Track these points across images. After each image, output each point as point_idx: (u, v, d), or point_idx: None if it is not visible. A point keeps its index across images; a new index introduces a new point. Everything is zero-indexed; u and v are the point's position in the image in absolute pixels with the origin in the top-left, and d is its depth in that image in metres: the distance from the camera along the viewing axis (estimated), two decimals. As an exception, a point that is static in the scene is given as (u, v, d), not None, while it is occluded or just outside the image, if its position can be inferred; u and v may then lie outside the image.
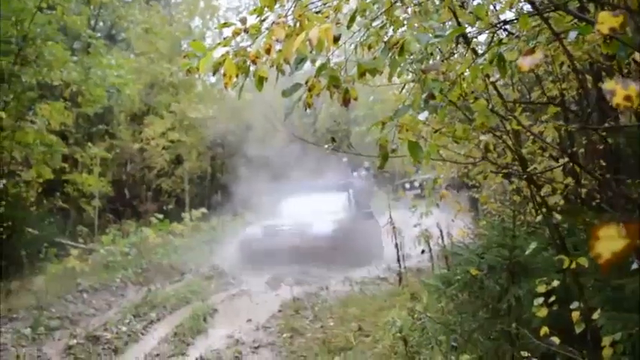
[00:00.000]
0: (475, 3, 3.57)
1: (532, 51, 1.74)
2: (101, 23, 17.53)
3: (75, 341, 6.26)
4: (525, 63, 1.73)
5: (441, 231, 6.89)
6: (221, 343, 6.09)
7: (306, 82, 2.60)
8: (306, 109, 2.68)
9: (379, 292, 7.99)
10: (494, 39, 3.30)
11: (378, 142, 2.77)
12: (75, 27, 11.51)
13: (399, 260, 7.86)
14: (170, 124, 17.07)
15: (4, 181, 9.54)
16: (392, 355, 5.09)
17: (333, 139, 3.72)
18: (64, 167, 13.20)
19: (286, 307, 7.48)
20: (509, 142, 3.87)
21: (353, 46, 2.95)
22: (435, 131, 3.26)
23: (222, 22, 2.91)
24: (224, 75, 2.53)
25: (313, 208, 12.80)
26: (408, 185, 17.39)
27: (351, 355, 5.39)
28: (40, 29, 10.25)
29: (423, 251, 7.12)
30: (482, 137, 3.26)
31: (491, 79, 3.44)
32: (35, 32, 10.19)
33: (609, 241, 1.00)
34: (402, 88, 2.97)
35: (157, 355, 5.92)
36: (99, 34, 14.74)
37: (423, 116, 2.89)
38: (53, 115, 11.26)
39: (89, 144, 14.07)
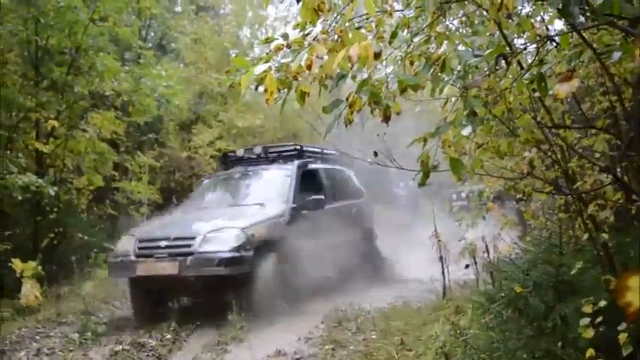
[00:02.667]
0: (524, 12, 3.51)
1: (569, 76, 1.69)
2: (152, 34, 17.88)
3: (120, 347, 6.36)
4: (562, 90, 1.69)
5: (486, 245, 6.78)
6: (263, 353, 6.10)
7: (347, 99, 2.60)
8: (346, 126, 2.68)
9: (424, 305, 7.90)
10: (540, 52, 3.24)
11: (420, 157, 2.75)
12: (126, 38, 11.77)
13: (443, 273, 7.75)
14: (218, 133, 17.25)
15: (56, 188, 9.77)
16: (434, 371, 5.02)
17: (376, 153, 3.70)
18: (115, 175, 13.49)
19: (329, 318, 7.45)
20: (556, 157, 3.79)
21: (395, 61, 2.95)
22: (479, 146, 3.22)
23: (270, 31, 2.95)
24: (265, 91, 2.55)
25: (227, 200, 9.37)
26: (454, 196, 17.14)
27: (393, 370, 5.33)
28: (92, 40, 10.53)
29: (467, 266, 7.01)
30: (527, 154, 3.20)
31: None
32: (88, 43, 10.47)
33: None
34: (445, 103, 2.94)
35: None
36: (149, 45, 15.11)
37: (466, 131, 2.85)
38: (104, 124, 11.54)
39: (139, 152, 14.34)
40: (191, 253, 7.30)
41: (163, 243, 7.56)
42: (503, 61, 2.45)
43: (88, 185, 11.86)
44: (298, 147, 10.14)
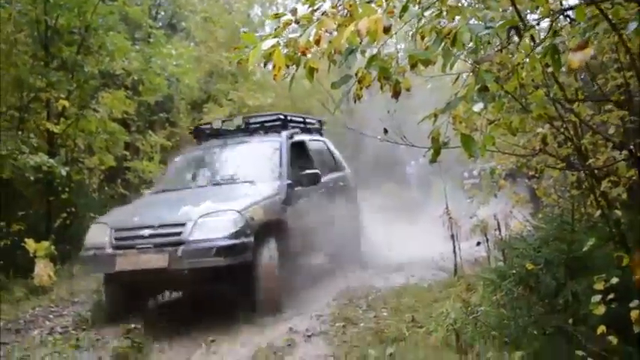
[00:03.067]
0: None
1: (583, 45, 1.66)
2: (162, 13, 17.81)
3: (132, 325, 6.41)
4: (575, 59, 1.65)
5: (497, 222, 6.76)
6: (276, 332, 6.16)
7: (356, 74, 2.58)
8: (355, 102, 2.65)
9: (434, 282, 7.89)
10: (553, 26, 3.19)
11: (431, 134, 2.72)
12: (136, 17, 11.76)
13: (454, 251, 7.74)
14: (229, 112, 17.25)
15: (67, 168, 9.82)
16: (444, 348, 5.02)
17: (386, 130, 3.68)
18: (126, 154, 13.53)
19: (340, 296, 7.47)
20: (569, 133, 3.75)
21: (406, 36, 2.91)
22: (490, 122, 3.18)
23: (282, 9, 2.91)
24: (273, 67, 2.52)
25: (209, 178, 8.23)
26: (466, 174, 17.00)
27: (404, 346, 5.34)
28: (102, 20, 10.53)
29: (478, 243, 6.99)
30: (540, 130, 3.16)
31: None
32: (97, 23, 10.47)
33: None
34: (456, 79, 2.90)
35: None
36: (159, 24, 15.03)
37: (477, 107, 2.82)
38: (115, 104, 11.57)
39: (150, 132, 14.36)
40: (182, 242, 6.35)
41: (146, 232, 6.53)
42: (515, 35, 2.41)
43: (100, 165, 11.93)
44: (282, 116, 9.02)
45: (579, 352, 3.26)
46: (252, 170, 7.96)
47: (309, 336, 6.03)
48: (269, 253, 6.75)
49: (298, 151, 8.52)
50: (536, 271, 3.92)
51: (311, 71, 2.79)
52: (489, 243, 6.98)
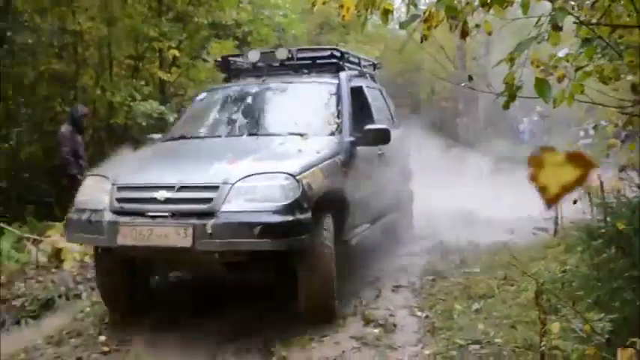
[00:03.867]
0: None
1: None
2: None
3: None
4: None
5: (601, 182, 6.40)
6: (362, 281, 6.20)
7: (424, 13, 2.49)
8: (421, 42, 2.57)
9: (534, 242, 7.65)
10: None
11: (505, 79, 2.60)
12: (245, -32, 11.89)
13: (556, 211, 7.44)
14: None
15: (176, 115, 10.22)
16: (533, 307, 4.88)
17: (470, 77, 3.56)
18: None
19: (433, 250, 7.41)
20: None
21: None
22: (578, 69, 2.98)
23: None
24: (340, 7, 2.48)
25: (244, 126, 6.16)
26: (582, 133, 16.10)
27: (491, 303, 5.25)
28: (212, -29, 10.73)
29: (575, 201, 6.67)
30: (630, 78, 2.94)
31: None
32: (208, -26, 10.69)
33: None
34: (538, 21, 2.73)
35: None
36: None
37: (562, 53, 2.66)
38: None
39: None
40: (212, 213, 4.55)
41: (162, 194, 4.67)
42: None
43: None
44: (338, 53, 7.02)
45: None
46: (303, 120, 5.99)
47: (396, 286, 6.06)
48: (326, 235, 5.01)
49: (357, 99, 6.64)
50: (628, 232, 3.69)
51: (385, 13, 2.73)
52: (592, 204, 6.64)
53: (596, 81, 3.31)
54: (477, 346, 4.33)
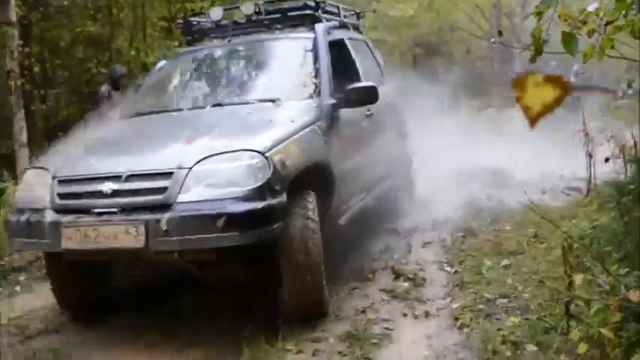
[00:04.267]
0: None
1: None
2: None
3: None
4: None
5: (634, 140, 6.35)
6: (392, 237, 6.31)
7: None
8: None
9: (566, 202, 7.65)
10: None
11: (532, 33, 2.62)
12: None
13: (589, 170, 7.39)
14: (371, 24, 17.11)
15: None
16: (561, 264, 4.93)
17: (500, 32, 3.57)
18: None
19: (463, 208, 7.45)
20: None
21: None
22: (607, 24, 2.97)
23: None
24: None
25: (209, 95, 5.47)
26: (620, 93, 15.75)
27: (520, 259, 5.31)
28: None
29: (606, 159, 6.63)
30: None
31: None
32: None
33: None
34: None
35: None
36: None
37: (592, 7, 2.67)
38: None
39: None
40: (167, 206, 3.84)
41: (109, 185, 3.95)
42: None
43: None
44: (312, 3, 5.97)
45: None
46: (275, 83, 5.31)
47: (426, 243, 6.15)
48: (310, 218, 4.16)
49: (338, 54, 5.74)
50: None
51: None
52: (625, 162, 6.60)
53: (628, 36, 3.30)
54: (505, 300, 4.42)
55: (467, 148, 9.49)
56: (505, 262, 5.28)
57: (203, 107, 5.20)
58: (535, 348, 3.49)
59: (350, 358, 3.72)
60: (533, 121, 0.95)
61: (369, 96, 5.20)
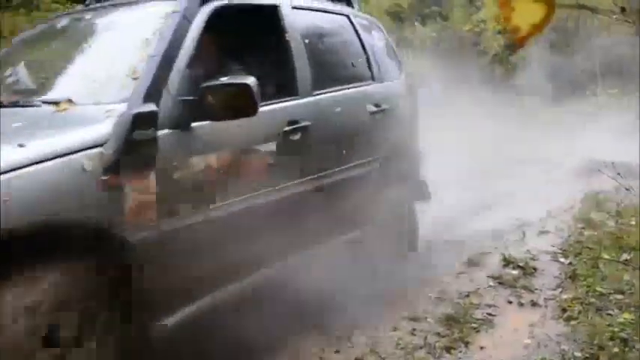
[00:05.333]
0: None
1: None
2: None
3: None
4: None
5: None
6: (507, 223, 6.13)
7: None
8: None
9: None
10: None
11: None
12: None
13: None
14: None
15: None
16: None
17: (623, 9, 3.36)
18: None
19: (587, 199, 7.10)
20: None
21: None
22: None
23: None
24: None
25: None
26: None
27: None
28: None
29: None
30: None
31: None
32: None
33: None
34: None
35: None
36: None
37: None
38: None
39: (418, 24, 14.46)
40: None
41: None
42: None
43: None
44: None
45: None
46: (84, 74, 3.21)
47: (542, 232, 5.93)
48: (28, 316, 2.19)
49: (249, 28, 3.74)
50: None
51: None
52: None
53: None
54: (620, 296, 4.20)
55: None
56: (625, 256, 4.99)
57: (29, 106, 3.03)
58: (645, 347, 3.31)
59: (447, 340, 3.67)
60: (521, 41, 0.92)
61: (236, 104, 2.89)
